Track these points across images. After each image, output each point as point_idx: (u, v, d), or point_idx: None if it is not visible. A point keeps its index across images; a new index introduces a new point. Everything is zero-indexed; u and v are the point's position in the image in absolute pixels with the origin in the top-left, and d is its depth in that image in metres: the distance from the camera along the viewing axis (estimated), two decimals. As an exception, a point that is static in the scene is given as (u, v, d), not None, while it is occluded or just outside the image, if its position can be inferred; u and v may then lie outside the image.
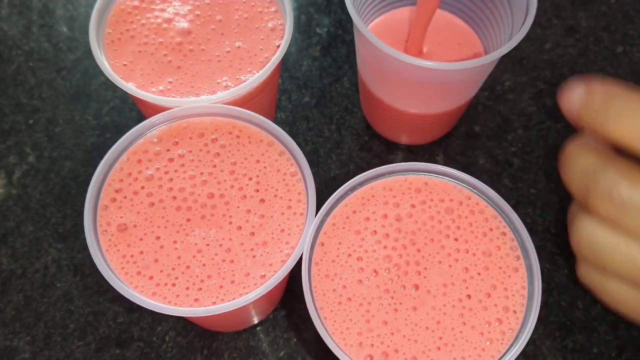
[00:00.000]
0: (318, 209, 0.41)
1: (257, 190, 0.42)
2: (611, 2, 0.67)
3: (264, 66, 0.47)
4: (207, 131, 0.44)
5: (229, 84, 0.46)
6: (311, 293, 0.39)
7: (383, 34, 0.53)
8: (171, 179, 0.42)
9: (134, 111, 0.61)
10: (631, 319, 0.43)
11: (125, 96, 0.61)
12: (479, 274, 0.40)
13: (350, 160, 0.59)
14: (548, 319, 0.52)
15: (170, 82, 0.46)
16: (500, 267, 0.40)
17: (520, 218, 0.41)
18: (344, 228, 0.41)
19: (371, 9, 0.53)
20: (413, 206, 0.42)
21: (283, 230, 0.41)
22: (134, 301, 0.38)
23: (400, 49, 0.50)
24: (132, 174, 0.42)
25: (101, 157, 0.42)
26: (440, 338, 0.38)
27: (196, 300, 0.39)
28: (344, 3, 0.65)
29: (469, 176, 0.42)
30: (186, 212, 0.41)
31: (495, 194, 0.42)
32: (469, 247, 0.41)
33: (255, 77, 0.45)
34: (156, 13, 0.49)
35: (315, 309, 0.38)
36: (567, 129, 0.60)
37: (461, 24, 0.54)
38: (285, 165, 0.43)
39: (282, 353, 0.51)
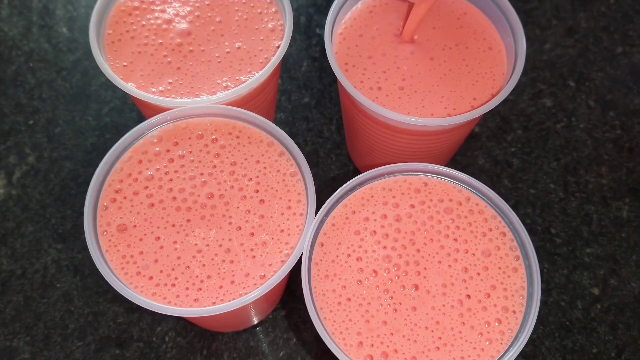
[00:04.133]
0: (318, 209, 0.41)
1: (257, 191, 0.42)
2: (611, 3, 0.68)
3: (264, 67, 0.47)
4: (207, 132, 0.44)
5: (229, 84, 0.47)
6: (311, 294, 0.39)
7: (375, 18, 0.50)
8: (171, 180, 0.42)
9: (134, 112, 0.61)
10: None
11: (125, 97, 0.62)
12: (478, 274, 0.40)
13: (350, 160, 0.59)
14: (548, 319, 0.52)
15: (170, 83, 0.46)
16: (500, 268, 0.40)
17: (520, 218, 0.41)
18: (343, 229, 0.41)
19: None
20: (413, 207, 0.42)
21: (283, 231, 0.41)
22: (134, 302, 0.38)
23: (393, 34, 0.49)
24: (133, 175, 0.42)
25: (101, 158, 0.42)
26: (440, 338, 0.38)
27: (196, 300, 0.39)
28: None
29: (469, 177, 0.42)
30: (186, 213, 0.41)
31: (495, 194, 0.42)
32: (468, 248, 0.41)
33: (255, 78, 0.45)
34: (156, 14, 0.49)
35: (315, 309, 0.38)
36: (567, 129, 0.60)
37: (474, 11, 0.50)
38: (285, 166, 0.43)
39: (282, 353, 0.51)
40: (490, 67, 0.48)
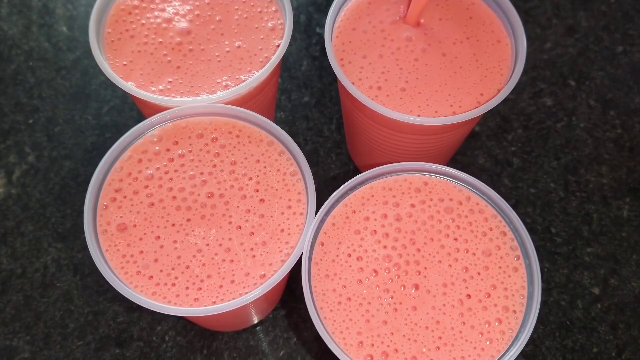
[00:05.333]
0: (318, 209, 0.41)
1: (257, 191, 0.42)
2: (611, 2, 0.67)
3: (264, 66, 0.47)
4: (206, 131, 0.44)
5: (229, 84, 0.46)
6: (311, 293, 0.39)
7: (371, 9, 0.49)
8: (171, 179, 0.42)
9: (134, 111, 0.61)
10: None
11: (125, 96, 0.61)
12: (479, 274, 0.40)
13: (350, 160, 0.59)
14: (548, 319, 0.52)
15: (170, 82, 0.46)
16: (500, 267, 0.40)
17: (520, 218, 0.41)
18: (344, 228, 0.41)
19: None
20: (413, 206, 0.42)
21: (283, 230, 0.41)
22: (134, 301, 0.38)
23: (392, 23, 0.48)
24: (132, 174, 0.42)
25: (101, 157, 0.42)
26: (440, 338, 0.38)
27: (196, 300, 0.39)
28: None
29: (469, 176, 0.42)
30: (186, 212, 0.41)
31: (495, 193, 0.42)
32: (469, 247, 0.41)
33: (255, 77, 0.45)
34: (156, 13, 0.49)
35: (315, 309, 0.38)
36: (567, 128, 0.60)
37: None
38: (285, 165, 0.43)
39: (282, 353, 0.51)
40: (498, 60, 0.47)
